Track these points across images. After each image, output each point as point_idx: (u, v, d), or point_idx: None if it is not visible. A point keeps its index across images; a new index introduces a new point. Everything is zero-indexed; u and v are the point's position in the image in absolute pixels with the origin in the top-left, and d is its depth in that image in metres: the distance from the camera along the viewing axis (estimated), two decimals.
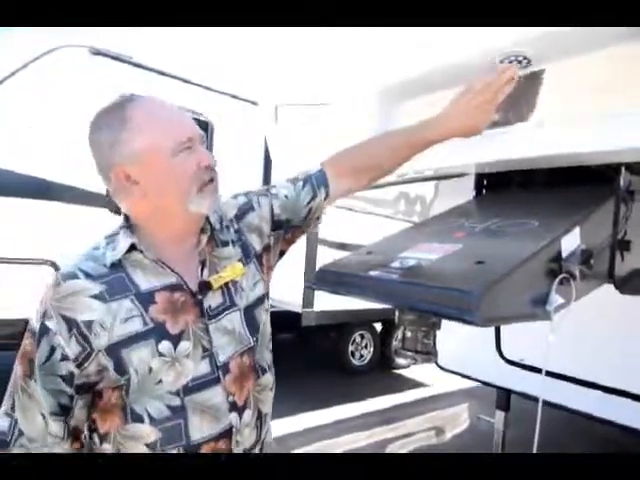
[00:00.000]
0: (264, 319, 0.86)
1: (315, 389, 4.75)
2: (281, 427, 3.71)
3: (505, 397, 3.23)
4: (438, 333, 3.59)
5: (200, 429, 0.73)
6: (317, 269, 0.96)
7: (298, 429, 3.73)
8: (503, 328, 2.97)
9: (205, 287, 0.77)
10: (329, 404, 4.26)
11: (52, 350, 0.69)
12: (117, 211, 0.78)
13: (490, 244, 0.85)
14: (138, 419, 0.71)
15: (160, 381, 0.71)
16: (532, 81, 1.09)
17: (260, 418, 0.82)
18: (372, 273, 0.81)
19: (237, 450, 0.78)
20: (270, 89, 1.83)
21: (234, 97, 4.43)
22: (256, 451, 0.82)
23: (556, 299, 0.76)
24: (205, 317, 0.76)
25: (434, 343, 3.46)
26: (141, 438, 0.71)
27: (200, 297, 0.76)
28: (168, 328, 0.72)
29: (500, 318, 0.68)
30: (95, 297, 0.70)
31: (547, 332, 0.77)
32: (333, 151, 1.34)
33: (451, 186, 1.90)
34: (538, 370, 2.95)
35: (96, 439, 0.74)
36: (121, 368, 0.70)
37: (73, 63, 3.53)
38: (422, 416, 4.41)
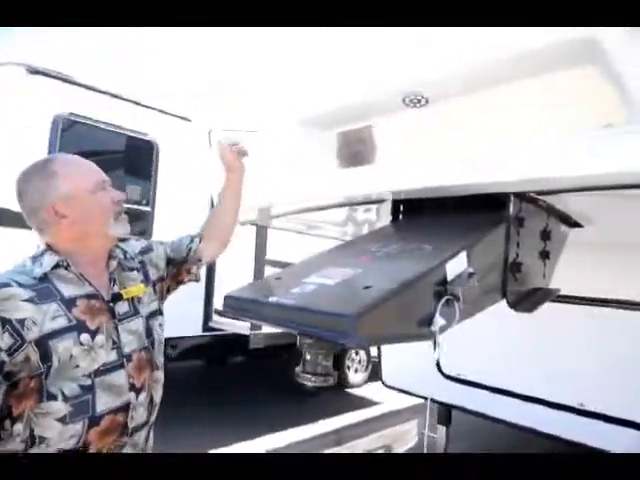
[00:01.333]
0: (158, 329, 1.11)
1: (267, 412, 4.67)
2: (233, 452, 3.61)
3: (446, 412, 3.34)
4: (383, 351, 3.66)
5: (105, 403, 0.93)
6: (226, 296, 0.98)
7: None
8: (442, 344, 3.08)
9: (117, 297, 1.02)
10: (282, 427, 4.20)
11: None
12: None
13: (384, 268, 0.91)
14: (52, 398, 0.88)
15: (77, 366, 0.90)
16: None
17: (152, 403, 1.04)
18: (271, 299, 0.85)
19: (131, 425, 0.98)
20: (204, 113, 1.87)
21: (181, 118, 4.41)
22: (144, 432, 1.03)
23: (439, 320, 0.83)
24: (115, 319, 1.00)
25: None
26: (53, 413, 0.88)
27: (112, 305, 1.01)
28: (87, 325, 0.94)
29: (382, 339, 0.73)
30: (26, 301, 0.89)
31: (432, 351, 0.83)
32: (260, 176, 1.44)
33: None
34: (475, 385, 3.05)
35: (7, 423, 0.87)
36: (46, 356, 0.87)
37: (9, 82, 3.41)
38: (372, 435, 4.43)
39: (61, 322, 0.90)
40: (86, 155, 3.93)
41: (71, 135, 3.75)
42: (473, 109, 1.13)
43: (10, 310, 0.86)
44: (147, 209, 4.21)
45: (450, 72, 1.08)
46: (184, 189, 4.44)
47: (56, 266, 0.95)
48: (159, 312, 1.13)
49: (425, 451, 2.99)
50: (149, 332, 1.06)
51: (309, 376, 0.84)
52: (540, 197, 1.21)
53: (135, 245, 1.19)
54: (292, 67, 1.31)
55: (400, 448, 4.28)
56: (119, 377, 0.96)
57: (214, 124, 1.85)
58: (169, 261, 1.22)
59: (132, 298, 1.05)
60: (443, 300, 0.85)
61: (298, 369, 0.87)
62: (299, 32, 1.15)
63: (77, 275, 0.97)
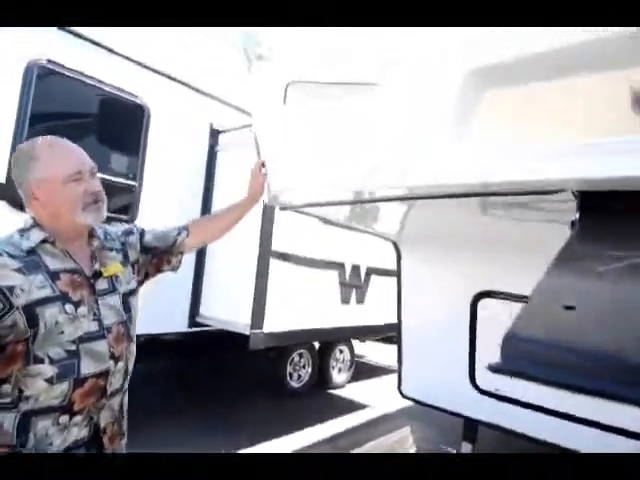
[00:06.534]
0: (135, 305, 1.20)
1: (251, 413, 4.25)
2: None
3: (473, 428, 3.08)
4: (404, 359, 3.34)
5: (88, 367, 1.03)
6: (504, 339, 0.57)
7: None
8: (480, 358, 2.81)
9: (97, 274, 1.12)
10: (265, 433, 3.77)
11: None
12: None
13: None
14: (39, 361, 0.97)
15: (62, 332, 1.00)
16: None
17: (126, 372, 1.15)
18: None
19: (109, 389, 1.08)
20: (280, 65, 1.41)
21: (178, 81, 3.82)
22: (119, 397, 1.13)
23: None
24: (96, 295, 1.10)
25: None
26: (41, 374, 0.97)
27: (92, 281, 1.10)
28: (70, 296, 1.04)
29: None
30: (16, 270, 0.98)
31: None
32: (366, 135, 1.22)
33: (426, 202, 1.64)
34: (515, 402, 2.75)
35: None
36: (33, 322, 0.97)
37: None
38: (369, 443, 4.14)
39: (46, 292, 0.99)
40: (65, 114, 3.25)
41: (48, 88, 3.07)
42: None
43: (1, 278, 0.94)
44: (133, 183, 3.60)
45: None
46: (177, 163, 3.86)
47: (43, 241, 1.04)
48: (136, 290, 1.23)
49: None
50: (126, 308, 1.17)
51: None
52: None
53: (119, 227, 1.31)
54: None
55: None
56: (101, 346, 1.06)
57: (292, 76, 1.40)
58: (152, 249, 1.31)
59: (111, 276, 1.15)
60: None
61: None
62: None
63: (62, 251, 1.06)
